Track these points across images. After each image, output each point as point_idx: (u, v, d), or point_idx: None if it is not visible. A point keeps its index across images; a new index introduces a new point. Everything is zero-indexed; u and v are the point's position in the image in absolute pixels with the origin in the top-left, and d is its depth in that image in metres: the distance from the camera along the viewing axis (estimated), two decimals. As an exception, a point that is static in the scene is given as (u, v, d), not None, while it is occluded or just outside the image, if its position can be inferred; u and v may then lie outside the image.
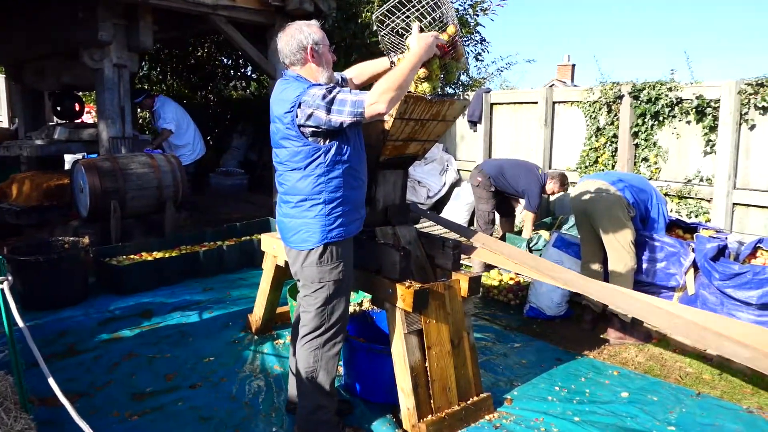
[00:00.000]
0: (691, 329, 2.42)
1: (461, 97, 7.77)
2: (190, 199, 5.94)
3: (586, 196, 3.92)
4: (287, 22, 2.49)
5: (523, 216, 5.36)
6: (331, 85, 2.34)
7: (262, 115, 7.79)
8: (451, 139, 7.64)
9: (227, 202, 7.82)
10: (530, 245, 4.95)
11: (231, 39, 5.96)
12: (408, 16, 2.48)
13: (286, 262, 3.04)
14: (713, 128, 5.07)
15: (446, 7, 2.53)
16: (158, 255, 5.01)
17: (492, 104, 6.98)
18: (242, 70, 10.54)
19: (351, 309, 3.45)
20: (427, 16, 2.51)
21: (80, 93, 10.78)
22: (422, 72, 2.47)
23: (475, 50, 8.65)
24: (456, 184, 7.42)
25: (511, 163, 5.45)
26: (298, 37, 2.39)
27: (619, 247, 3.79)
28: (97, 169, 5.11)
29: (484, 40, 8.69)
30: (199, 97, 11.45)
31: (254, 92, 11.32)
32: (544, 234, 5.02)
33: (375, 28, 2.59)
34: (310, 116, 2.24)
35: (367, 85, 2.56)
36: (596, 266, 3.99)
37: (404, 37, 2.53)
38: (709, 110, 5.08)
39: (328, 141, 2.32)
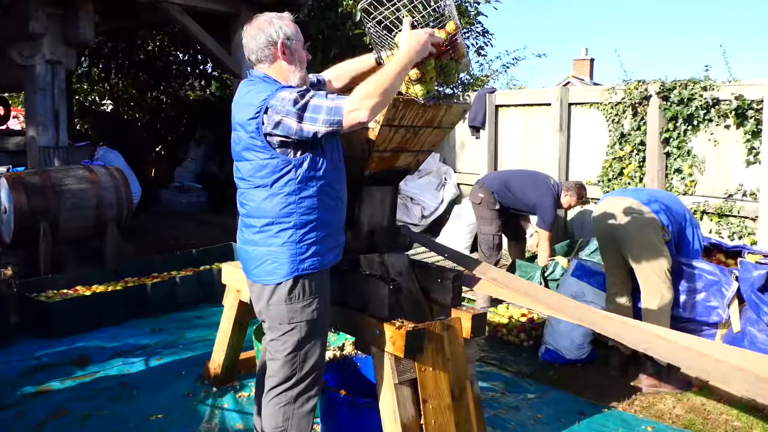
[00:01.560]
0: (740, 377, 2.38)
1: (461, 100, 7.74)
2: (136, 221, 5.88)
3: (612, 217, 3.92)
4: (254, 13, 2.53)
5: (536, 236, 5.34)
6: (305, 87, 2.35)
7: (224, 120, 7.71)
8: (450, 148, 7.66)
9: (182, 224, 7.76)
10: (545, 275, 4.93)
11: (187, 31, 5.96)
12: (399, 9, 2.48)
13: (251, 298, 2.99)
14: (756, 134, 5.12)
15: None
16: (97, 289, 4.95)
17: (497, 106, 7.03)
18: (201, 68, 10.58)
19: (329, 354, 3.40)
20: (422, 10, 2.51)
21: (6, 95, 10.70)
22: (414, 73, 2.48)
23: (477, 44, 8.73)
24: (456, 200, 7.43)
25: (517, 174, 5.45)
26: (267, 30, 2.40)
27: (653, 277, 3.78)
28: (23, 185, 5.04)
29: (487, 32, 8.79)
30: (150, 98, 11.45)
31: (215, 93, 11.33)
32: (562, 261, 5.00)
33: (359, 18, 2.58)
34: (278, 124, 2.25)
35: (348, 89, 2.56)
36: (624, 300, 3.97)
37: (393, 34, 2.53)
38: (750, 113, 5.13)
39: (299, 153, 2.32)
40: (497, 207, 5.24)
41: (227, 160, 9.13)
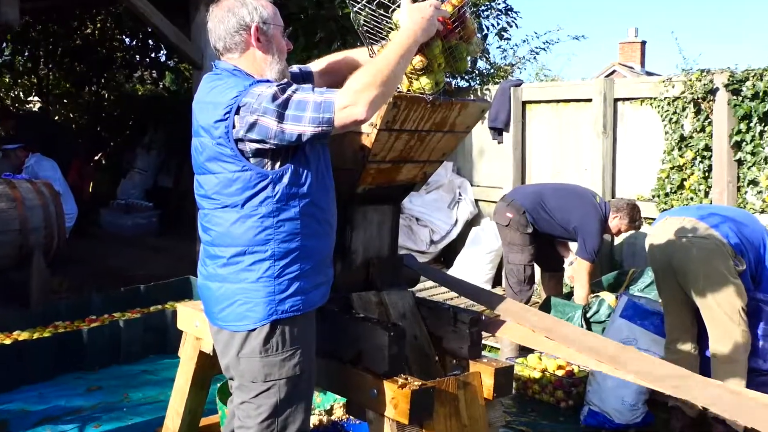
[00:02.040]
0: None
1: (478, 95, 7.79)
2: (70, 249, 5.87)
3: (671, 242, 3.92)
4: (222, -11, 2.54)
5: (574, 267, 5.34)
6: (285, 81, 2.37)
7: (182, 121, 7.72)
8: (466, 156, 7.68)
9: (127, 251, 7.76)
10: (588, 315, 4.92)
11: (136, 9, 5.99)
12: None
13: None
14: None
15: None
16: (19, 336, 4.91)
17: (524, 103, 7.06)
18: (153, 55, 10.63)
19: (314, 420, 3.39)
20: None
21: None
22: (418, 61, 2.49)
23: (498, 24, 8.82)
24: (473, 221, 7.43)
25: (555, 188, 5.45)
26: (238, 12, 2.43)
27: (724, 319, 3.77)
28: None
29: (511, 10, 8.89)
30: (88, 94, 11.50)
31: (170, 87, 11.39)
32: (608, 298, 4.99)
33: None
34: (252, 126, 2.26)
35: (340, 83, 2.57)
36: (688, 346, 3.96)
37: (390, 11, 2.54)
38: (844, 110, 5.16)
39: (278, 164, 2.33)
40: (529, 230, 5.25)
41: (184, 170, 9.24)
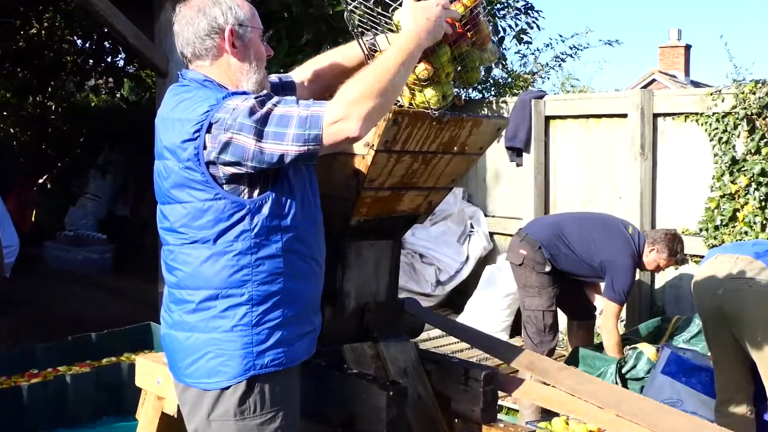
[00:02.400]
0: None
1: (494, 110, 7.74)
2: (9, 289, 5.84)
3: (722, 285, 3.93)
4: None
5: (602, 311, 5.31)
6: (265, 92, 2.37)
7: (143, 138, 7.69)
8: (478, 181, 7.70)
9: (77, 292, 7.72)
10: (623, 370, 4.90)
11: (89, 6, 6.04)
12: None
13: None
14: None
15: None
16: (-54, 393, 4.87)
17: (548, 118, 7.10)
18: (109, 60, 10.67)
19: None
20: None
21: None
22: (423, 70, 2.51)
23: (517, 25, 8.87)
24: (488, 259, 7.44)
25: (577, 218, 5.47)
26: (210, 12, 2.44)
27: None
28: None
29: (532, 9, 8.93)
30: (31, 104, 11.51)
31: (129, 98, 11.42)
32: (647, 350, 4.97)
33: None
34: (226, 146, 2.26)
35: (329, 94, 2.59)
36: (743, 408, 3.96)
37: (390, 10, 2.55)
38: None
39: (257, 192, 2.34)
40: (548, 269, 5.25)
41: (147, 199, 9.21)
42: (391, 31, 2.56)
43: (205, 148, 2.28)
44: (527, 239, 5.29)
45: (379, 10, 2.58)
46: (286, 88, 2.73)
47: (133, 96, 11.46)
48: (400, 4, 2.48)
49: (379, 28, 2.61)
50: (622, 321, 5.40)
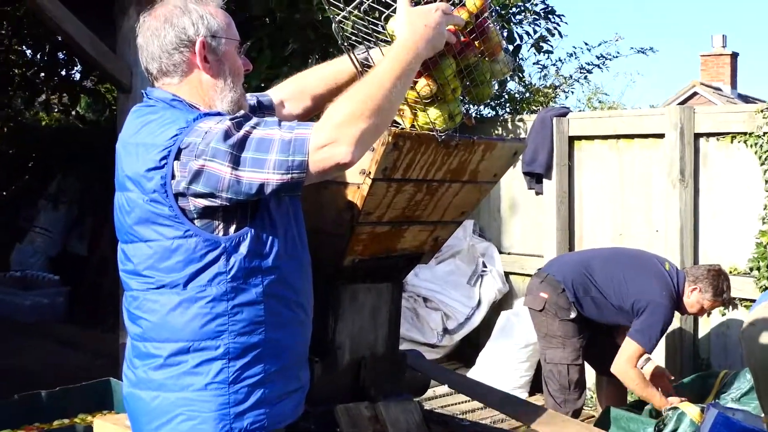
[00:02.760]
0: None
1: (509, 129, 7.74)
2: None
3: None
4: (157, -9, 2.58)
5: (625, 356, 5.19)
6: (242, 113, 2.40)
7: (101, 164, 7.68)
8: (491, 212, 7.70)
9: (23, 343, 7.69)
10: (662, 433, 4.91)
11: (42, 11, 6.11)
12: None
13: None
14: None
15: None
16: None
17: (572, 138, 7.12)
18: (63, 73, 10.69)
19: None
20: None
21: None
22: (425, 86, 2.55)
23: (536, 32, 8.93)
24: (503, 303, 7.44)
25: (606, 255, 5.51)
26: (178, 22, 2.46)
27: None
28: None
29: (553, 13, 8.97)
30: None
31: (85, 116, 11.43)
32: (691, 410, 4.97)
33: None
34: (198, 174, 2.27)
35: (316, 114, 2.64)
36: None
37: (383, 18, 2.59)
38: None
39: (234, 228, 2.36)
40: (573, 315, 5.26)
41: (106, 234, 9.19)
42: (386, 42, 2.59)
43: (173, 177, 2.28)
44: (549, 280, 5.31)
45: (371, 19, 2.61)
46: (263, 108, 2.76)
47: (90, 114, 11.44)
48: (395, 11, 2.47)
49: (372, 40, 2.63)
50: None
